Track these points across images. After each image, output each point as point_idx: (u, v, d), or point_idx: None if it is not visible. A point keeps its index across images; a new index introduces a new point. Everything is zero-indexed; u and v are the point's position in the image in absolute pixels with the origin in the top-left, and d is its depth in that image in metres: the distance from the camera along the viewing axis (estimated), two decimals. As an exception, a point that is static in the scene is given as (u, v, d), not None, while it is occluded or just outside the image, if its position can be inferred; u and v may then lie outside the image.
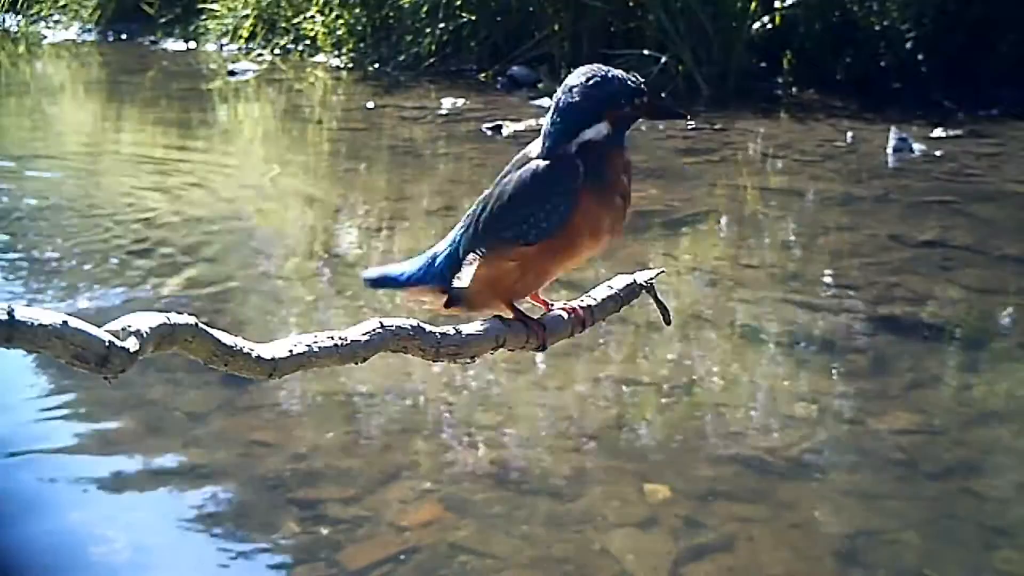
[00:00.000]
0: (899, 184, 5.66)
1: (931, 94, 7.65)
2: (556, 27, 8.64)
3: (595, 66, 1.34)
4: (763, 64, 8.27)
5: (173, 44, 11.03)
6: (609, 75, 1.31)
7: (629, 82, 1.31)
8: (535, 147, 1.35)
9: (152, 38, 11.26)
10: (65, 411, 3.11)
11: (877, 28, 8.03)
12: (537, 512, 2.63)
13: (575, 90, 1.31)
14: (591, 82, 1.31)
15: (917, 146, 6.33)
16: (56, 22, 12.25)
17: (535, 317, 1.38)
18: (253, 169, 6.28)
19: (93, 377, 0.91)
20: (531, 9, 8.78)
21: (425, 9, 8.96)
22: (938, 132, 6.70)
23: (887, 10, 8.00)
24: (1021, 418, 3.18)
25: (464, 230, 1.37)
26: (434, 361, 1.19)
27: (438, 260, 1.39)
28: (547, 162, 1.31)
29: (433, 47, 8.98)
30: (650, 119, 1.37)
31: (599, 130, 1.31)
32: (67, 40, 11.75)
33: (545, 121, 1.34)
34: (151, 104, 8.39)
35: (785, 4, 8.12)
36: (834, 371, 3.43)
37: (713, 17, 7.96)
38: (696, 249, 4.65)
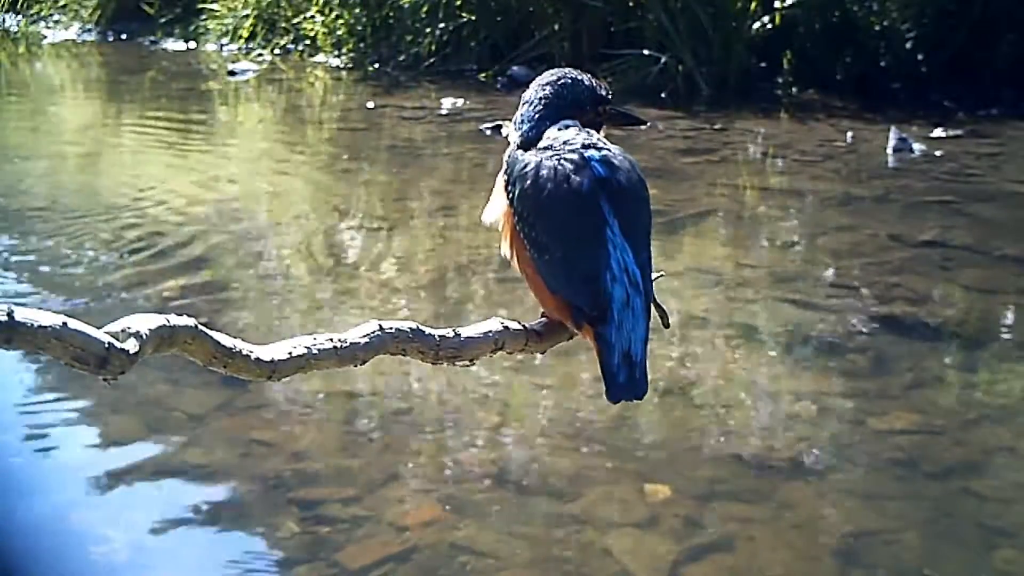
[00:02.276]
0: (899, 184, 5.66)
1: (931, 94, 7.65)
2: (556, 27, 8.64)
3: (566, 70, 1.33)
4: (763, 64, 8.27)
5: (173, 44, 11.03)
6: (579, 79, 1.31)
7: (597, 89, 1.31)
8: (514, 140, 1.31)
9: (152, 38, 11.26)
10: (65, 411, 3.12)
11: (877, 28, 8.03)
12: (537, 512, 2.63)
13: (547, 90, 1.30)
14: (560, 83, 1.30)
15: (917, 146, 6.32)
16: (56, 22, 12.25)
17: (534, 322, 1.37)
18: (253, 169, 6.28)
19: (92, 378, 0.91)
20: (531, 9, 8.79)
21: (425, 9, 8.96)
22: (938, 132, 6.69)
23: (887, 10, 7.99)
24: (1021, 418, 3.18)
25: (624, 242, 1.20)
26: (433, 364, 1.18)
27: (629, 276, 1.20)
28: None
29: (433, 47, 8.98)
30: (613, 125, 1.35)
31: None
32: (67, 40, 11.75)
33: (518, 117, 1.30)
34: (151, 104, 8.39)
35: (785, 4, 8.12)
36: (834, 371, 3.43)
37: (713, 17, 7.95)
38: (696, 249, 4.64)
